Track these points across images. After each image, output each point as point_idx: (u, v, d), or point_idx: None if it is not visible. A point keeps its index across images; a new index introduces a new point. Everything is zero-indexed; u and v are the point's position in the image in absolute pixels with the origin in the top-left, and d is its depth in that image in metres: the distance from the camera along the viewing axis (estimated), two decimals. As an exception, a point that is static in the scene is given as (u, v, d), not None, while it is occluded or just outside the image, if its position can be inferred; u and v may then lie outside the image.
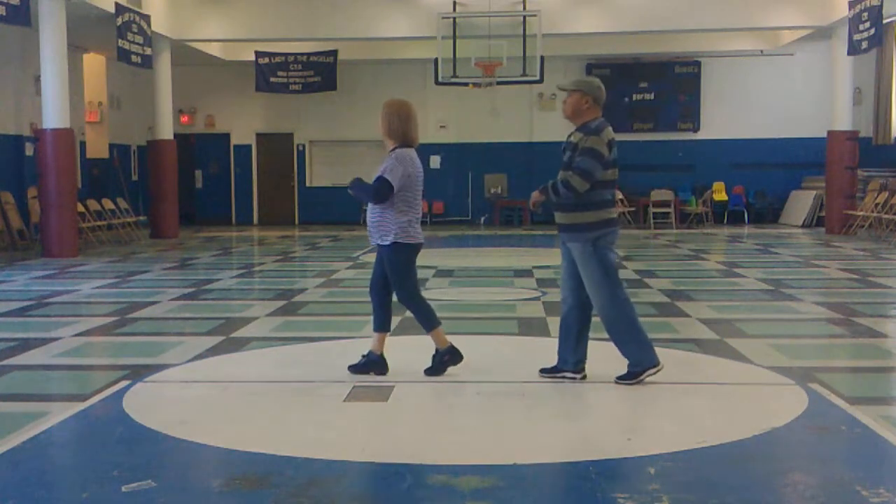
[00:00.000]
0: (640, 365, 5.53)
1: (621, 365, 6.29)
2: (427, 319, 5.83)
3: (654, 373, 5.52)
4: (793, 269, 12.38)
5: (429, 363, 5.83)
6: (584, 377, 5.66)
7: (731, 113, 22.54)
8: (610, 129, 5.65)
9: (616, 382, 5.53)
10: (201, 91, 23.08)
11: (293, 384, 5.76)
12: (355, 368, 5.84)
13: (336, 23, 18.77)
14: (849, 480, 3.91)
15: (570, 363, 5.68)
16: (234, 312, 8.81)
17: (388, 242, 5.71)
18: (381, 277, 5.85)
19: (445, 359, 5.81)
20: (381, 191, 5.69)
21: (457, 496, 3.74)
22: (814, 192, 21.09)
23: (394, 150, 5.83)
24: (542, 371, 5.75)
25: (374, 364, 5.83)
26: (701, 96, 22.64)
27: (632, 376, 5.53)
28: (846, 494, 3.76)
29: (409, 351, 6.77)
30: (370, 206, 5.80)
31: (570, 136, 5.67)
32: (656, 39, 20.97)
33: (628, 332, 5.54)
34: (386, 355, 5.85)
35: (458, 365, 5.80)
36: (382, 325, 5.88)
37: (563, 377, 5.66)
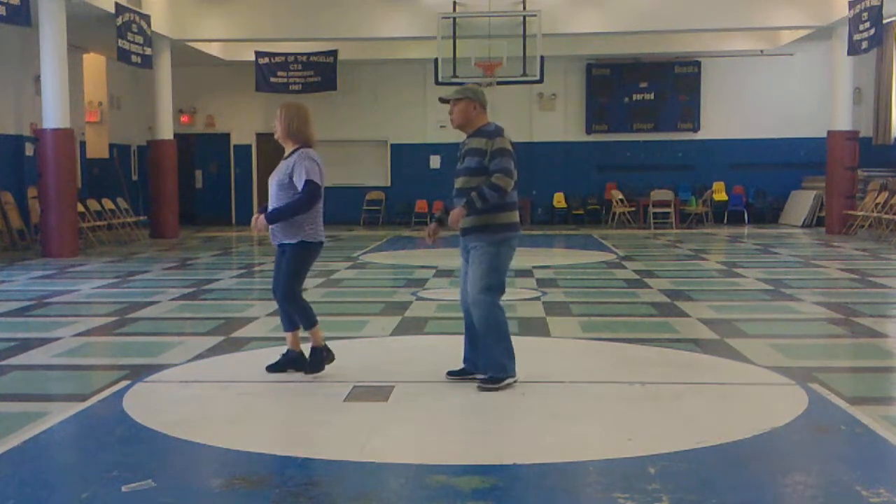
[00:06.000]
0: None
1: (619, 365, 6.30)
2: (308, 318, 5.88)
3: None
4: (793, 269, 12.38)
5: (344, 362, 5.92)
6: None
7: (731, 113, 22.55)
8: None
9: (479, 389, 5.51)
10: (201, 91, 23.08)
11: (293, 384, 5.75)
12: (274, 367, 5.97)
13: (336, 23, 18.77)
14: (849, 480, 3.91)
15: (480, 365, 5.65)
16: (234, 312, 8.81)
17: (295, 241, 5.76)
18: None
19: (324, 355, 5.92)
20: (315, 194, 5.69)
21: (457, 496, 3.74)
22: (814, 192, 21.09)
23: (297, 150, 5.80)
24: (450, 373, 5.75)
25: (292, 362, 5.95)
26: (701, 96, 22.64)
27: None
28: (846, 494, 3.76)
29: (409, 351, 6.78)
30: (273, 206, 5.77)
31: (465, 142, 5.66)
32: (656, 39, 20.97)
33: (505, 337, 5.56)
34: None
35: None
36: (293, 324, 5.97)
37: (474, 379, 5.64)
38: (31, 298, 9.79)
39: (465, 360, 5.76)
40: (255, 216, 5.87)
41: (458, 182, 5.62)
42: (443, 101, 5.76)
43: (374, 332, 7.76)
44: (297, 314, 5.89)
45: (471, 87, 5.76)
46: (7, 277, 11.71)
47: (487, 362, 5.56)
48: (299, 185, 5.69)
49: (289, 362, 5.96)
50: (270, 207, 5.79)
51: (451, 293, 9.84)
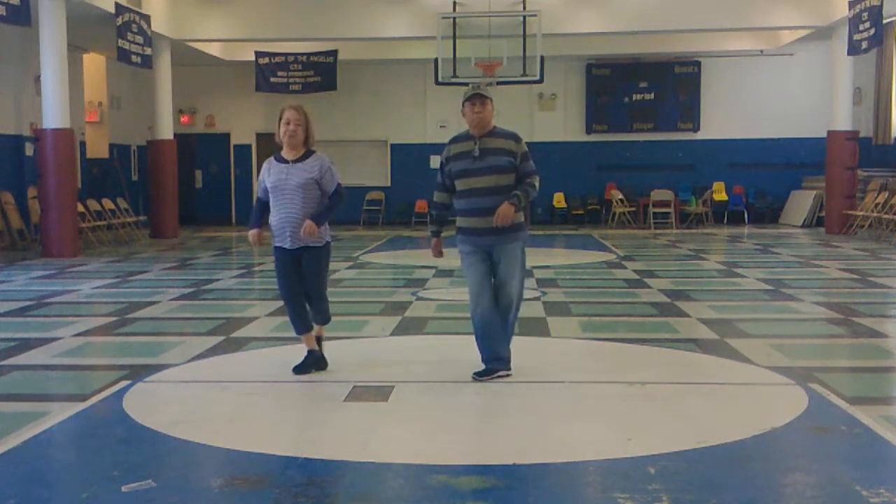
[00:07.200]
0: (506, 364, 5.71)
1: (619, 365, 6.29)
2: (326, 314, 6.03)
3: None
4: (793, 269, 12.37)
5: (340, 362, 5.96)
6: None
7: (731, 113, 22.55)
8: None
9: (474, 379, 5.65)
10: (201, 91, 23.08)
11: (293, 384, 5.76)
12: (300, 369, 5.94)
13: (336, 23, 18.78)
14: (849, 480, 3.91)
15: (506, 361, 5.74)
16: (234, 312, 8.81)
17: (323, 243, 5.91)
18: (300, 283, 5.93)
19: (321, 363, 5.95)
20: (345, 196, 5.94)
21: (457, 496, 3.74)
22: (814, 192, 21.09)
23: (311, 153, 5.89)
24: (477, 375, 5.71)
25: (317, 362, 5.97)
26: (701, 96, 22.64)
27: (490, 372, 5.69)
28: (846, 494, 3.76)
29: (409, 351, 6.78)
30: (300, 208, 5.77)
31: (479, 141, 5.64)
32: (656, 39, 20.97)
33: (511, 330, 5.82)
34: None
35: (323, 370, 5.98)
36: (308, 327, 6.00)
37: (500, 376, 5.69)
38: (31, 298, 9.79)
39: (490, 356, 5.76)
40: (255, 232, 5.95)
41: (486, 181, 5.59)
42: (478, 95, 5.64)
43: (374, 332, 7.76)
44: (321, 307, 6.00)
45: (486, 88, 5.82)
46: (7, 277, 11.71)
47: (500, 354, 5.69)
48: (330, 189, 5.86)
49: (315, 362, 5.98)
50: (292, 211, 5.77)
51: (451, 293, 9.84)
